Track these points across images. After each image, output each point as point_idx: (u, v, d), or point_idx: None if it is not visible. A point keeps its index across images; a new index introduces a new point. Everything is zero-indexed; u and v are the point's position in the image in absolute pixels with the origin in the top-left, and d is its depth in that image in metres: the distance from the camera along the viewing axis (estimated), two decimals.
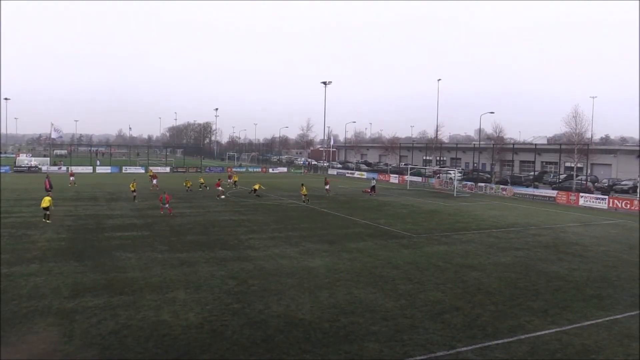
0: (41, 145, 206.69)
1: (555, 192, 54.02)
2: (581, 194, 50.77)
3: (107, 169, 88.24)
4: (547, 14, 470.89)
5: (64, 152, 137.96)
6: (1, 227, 27.67)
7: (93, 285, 17.19)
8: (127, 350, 12.01)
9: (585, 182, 58.48)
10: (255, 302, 15.83)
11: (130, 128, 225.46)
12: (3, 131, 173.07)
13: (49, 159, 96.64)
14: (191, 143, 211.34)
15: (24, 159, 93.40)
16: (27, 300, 15.42)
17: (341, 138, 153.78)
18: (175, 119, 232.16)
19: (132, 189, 43.66)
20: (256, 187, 48.91)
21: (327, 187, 54.74)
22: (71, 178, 58.97)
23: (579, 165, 62.28)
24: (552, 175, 69.82)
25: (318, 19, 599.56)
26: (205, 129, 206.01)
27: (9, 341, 12.27)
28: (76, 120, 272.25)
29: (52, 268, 19.38)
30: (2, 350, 11.72)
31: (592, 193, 52.51)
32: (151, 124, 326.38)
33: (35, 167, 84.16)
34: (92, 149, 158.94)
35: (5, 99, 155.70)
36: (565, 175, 65.26)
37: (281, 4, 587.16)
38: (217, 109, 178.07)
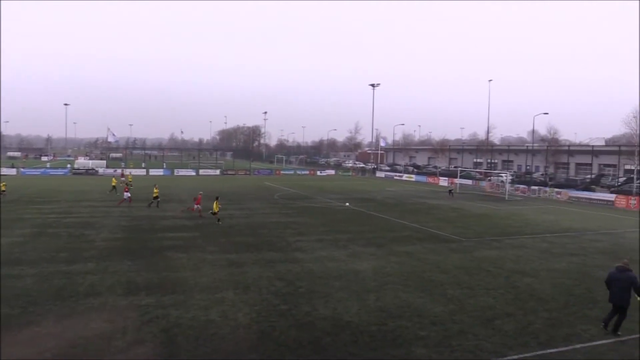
0: (98, 148, 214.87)
1: (613, 196, 51.84)
2: None
3: (159, 172, 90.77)
4: (601, 14, 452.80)
5: (119, 155, 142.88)
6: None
7: (146, 284, 17.69)
8: (177, 348, 12.28)
9: None
10: (303, 304, 15.88)
11: (182, 132, 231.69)
12: (64, 135, 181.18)
13: (105, 161, 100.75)
14: (240, 146, 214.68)
15: (82, 162, 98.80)
16: (85, 298, 16.02)
17: (389, 140, 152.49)
18: (225, 123, 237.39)
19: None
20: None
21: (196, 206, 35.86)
22: (122, 178, 60.51)
23: (639, 167, 59.54)
24: (610, 178, 66.94)
25: (363, 20, 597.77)
26: (254, 132, 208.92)
27: (66, 336, 12.78)
28: (131, 125, 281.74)
29: (108, 267, 20.07)
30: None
31: None
32: (202, 128, 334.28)
33: (93, 169, 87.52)
34: (146, 152, 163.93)
35: (65, 104, 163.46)
36: (624, 179, 62.48)
37: (331, 4, 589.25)
38: (265, 112, 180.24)
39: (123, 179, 59.67)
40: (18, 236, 26.17)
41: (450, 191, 58.28)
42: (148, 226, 30.39)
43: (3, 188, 45.06)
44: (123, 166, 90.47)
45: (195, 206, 35.52)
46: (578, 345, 13.03)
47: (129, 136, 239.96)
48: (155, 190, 40.15)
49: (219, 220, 31.70)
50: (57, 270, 19.28)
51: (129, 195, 41.15)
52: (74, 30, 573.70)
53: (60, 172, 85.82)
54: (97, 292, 16.70)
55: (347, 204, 45.98)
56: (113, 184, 51.86)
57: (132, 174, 74.30)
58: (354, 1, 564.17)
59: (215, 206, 32.14)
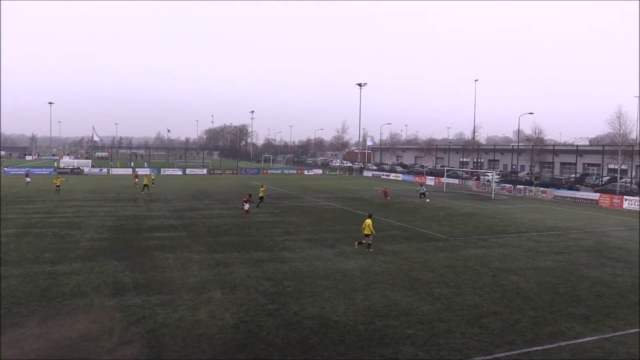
0: (83, 147, 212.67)
1: (597, 194, 52.44)
2: (625, 197, 49.14)
3: (146, 171, 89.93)
4: (589, 16, 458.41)
5: (105, 154, 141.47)
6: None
7: (133, 284, 17.57)
8: (165, 348, 12.22)
9: (629, 185, 56.56)
10: (291, 304, 15.88)
11: (168, 131, 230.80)
12: (47, 134, 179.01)
13: (90, 161, 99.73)
14: (227, 145, 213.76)
15: (68, 161, 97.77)
16: (70, 298, 15.88)
17: (376, 140, 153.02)
18: (212, 122, 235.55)
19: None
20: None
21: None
22: (135, 180, 59.04)
23: (623, 167, 60.30)
24: (594, 177, 67.74)
25: (350, 21, 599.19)
26: (241, 132, 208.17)
27: (51, 337, 12.65)
28: (116, 124, 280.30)
29: (94, 267, 19.91)
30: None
31: (637, 196, 50.73)
32: (189, 127, 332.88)
33: (78, 168, 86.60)
34: (132, 151, 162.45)
35: (50, 103, 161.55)
36: (608, 178, 63.27)
37: (318, 4, 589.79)
38: (253, 112, 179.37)
39: (137, 180, 58.40)
40: (1, 236, 25.82)
41: (422, 194, 49.96)
42: (134, 226, 30.18)
43: (57, 183, 49.84)
44: (146, 165, 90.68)
45: (387, 198, 43.84)
46: (563, 343, 13.18)
47: (115, 135, 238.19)
48: (261, 190, 42.00)
49: (363, 244, 24.97)
50: (41, 271, 19.09)
51: (249, 206, 35.11)
52: (57, 29, 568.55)
53: (44, 171, 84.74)
54: (83, 292, 16.56)
55: (428, 200, 49.78)
56: (145, 182, 52.59)
57: (154, 173, 74.82)
58: (336, 1, 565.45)
59: (368, 228, 24.25)
